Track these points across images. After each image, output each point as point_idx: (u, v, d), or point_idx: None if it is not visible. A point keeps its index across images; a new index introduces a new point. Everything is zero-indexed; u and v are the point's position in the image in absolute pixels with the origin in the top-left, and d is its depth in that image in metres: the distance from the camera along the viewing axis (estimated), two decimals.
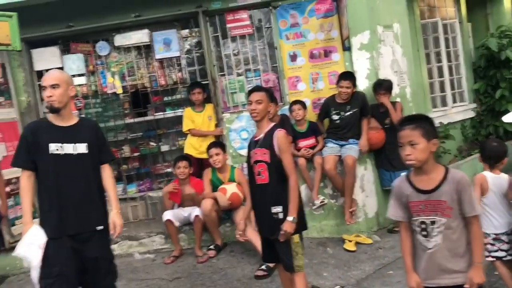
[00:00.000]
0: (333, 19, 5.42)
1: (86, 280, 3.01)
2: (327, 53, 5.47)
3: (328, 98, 5.23)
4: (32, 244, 2.82)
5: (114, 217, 3.14)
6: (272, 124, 3.33)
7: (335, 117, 5.10)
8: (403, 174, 2.47)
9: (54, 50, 5.67)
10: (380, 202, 5.33)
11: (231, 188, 4.88)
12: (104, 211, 3.16)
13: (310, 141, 5.17)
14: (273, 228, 3.12)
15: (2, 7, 4.27)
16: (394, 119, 4.96)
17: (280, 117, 5.13)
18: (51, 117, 3.05)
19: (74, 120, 3.08)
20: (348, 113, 5.05)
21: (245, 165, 5.47)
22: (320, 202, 5.05)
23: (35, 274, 2.87)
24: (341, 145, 5.06)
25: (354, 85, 5.05)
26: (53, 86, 2.92)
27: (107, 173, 3.20)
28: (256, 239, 4.54)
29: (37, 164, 2.95)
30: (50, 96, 2.91)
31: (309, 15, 5.45)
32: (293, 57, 5.51)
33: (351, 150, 4.96)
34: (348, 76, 5.03)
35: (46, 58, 5.64)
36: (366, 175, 5.23)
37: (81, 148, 3.01)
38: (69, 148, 2.97)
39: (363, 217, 5.16)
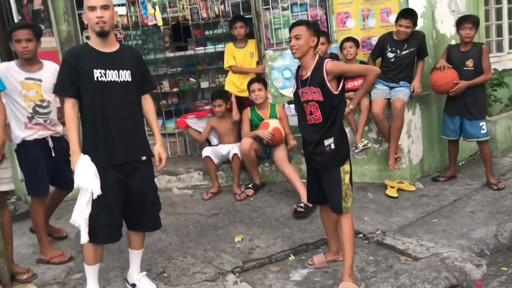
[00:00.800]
0: None
1: (130, 211, 2.98)
2: None
3: (385, 35, 4.91)
4: (88, 174, 2.76)
5: (159, 149, 3.08)
6: (317, 57, 3.09)
7: (390, 55, 4.80)
8: None
9: None
10: (425, 149, 5.12)
11: (273, 123, 4.75)
12: (147, 142, 3.09)
13: (360, 81, 4.92)
14: (324, 162, 3.05)
15: None
16: (485, 65, 4.59)
17: (328, 56, 4.88)
18: (93, 43, 2.90)
19: (116, 47, 2.95)
20: (405, 52, 4.75)
21: (286, 105, 5.38)
22: (363, 146, 4.87)
23: (78, 215, 2.82)
24: (391, 88, 4.80)
25: (415, 24, 4.69)
26: (104, 7, 2.77)
27: (148, 103, 3.11)
28: (296, 178, 4.50)
29: (80, 91, 2.85)
30: (101, 17, 2.76)
31: None
32: None
33: (401, 92, 4.71)
34: (409, 14, 4.66)
35: None
36: (413, 120, 4.99)
37: (125, 75, 2.90)
38: (113, 75, 2.86)
39: (407, 164, 4.98)
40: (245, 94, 5.14)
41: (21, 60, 3.55)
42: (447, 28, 5.23)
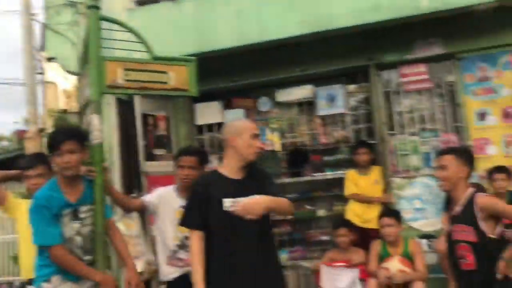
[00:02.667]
0: None
1: None
2: None
3: None
4: None
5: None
6: (470, 190, 2.67)
7: None
8: None
9: (217, 105, 5.60)
10: None
11: (394, 266, 4.08)
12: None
13: None
14: None
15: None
16: None
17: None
18: (223, 169, 2.69)
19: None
20: None
21: (416, 240, 4.71)
22: None
23: None
24: None
25: None
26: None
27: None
28: None
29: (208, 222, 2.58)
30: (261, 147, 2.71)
31: (504, 68, 4.65)
32: (482, 116, 4.70)
33: None
34: None
35: (208, 112, 5.58)
36: None
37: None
38: None
39: None
40: (369, 225, 4.64)
41: (180, 186, 3.40)
42: None
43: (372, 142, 5.07)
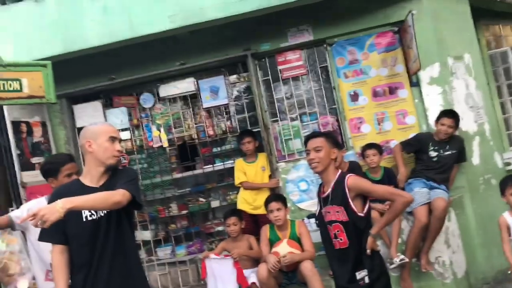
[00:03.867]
0: (397, 53, 4.87)
1: None
2: (392, 90, 4.89)
3: (424, 134, 4.68)
4: None
5: None
6: (339, 172, 2.80)
7: (433, 153, 4.46)
8: None
9: (97, 105, 5.36)
10: (469, 259, 4.52)
11: (283, 249, 4.22)
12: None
13: None
14: None
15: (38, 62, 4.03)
16: None
17: (348, 164, 4.52)
18: (84, 178, 2.58)
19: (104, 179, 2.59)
20: (447, 153, 4.46)
21: (306, 220, 4.91)
22: (400, 260, 4.29)
23: None
24: (431, 188, 4.37)
25: (457, 125, 4.46)
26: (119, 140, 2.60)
27: None
28: None
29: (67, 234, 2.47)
30: (120, 150, 2.56)
31: (369, 50, 4.93)
32: (354, 97, 4.96)
33: (441, 194, 4.28)
34: (453, 114, 4.46)
35: (88, 113, 5.32)
36: (450, 228, 4.46)
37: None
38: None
39: (451, 278, 4.35)
40: (259, 211, 4.74)
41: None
42: (469, 125, 4.93)
43: (256, 130, 5.16)
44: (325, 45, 5.04)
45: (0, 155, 4.80)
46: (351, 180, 2.70)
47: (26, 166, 4.81)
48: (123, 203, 2.36)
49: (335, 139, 2.96)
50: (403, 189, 4.30)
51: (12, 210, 4.67)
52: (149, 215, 5.54)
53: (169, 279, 5.28)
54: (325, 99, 5.10)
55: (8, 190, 4.80)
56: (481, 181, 4.92)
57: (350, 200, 2.67)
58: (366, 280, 2.62)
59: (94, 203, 2.31)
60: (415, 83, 4.82)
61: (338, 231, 2.71)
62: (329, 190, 2.76)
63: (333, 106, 5.08)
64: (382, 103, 4.90)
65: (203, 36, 4.94)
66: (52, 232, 2.42)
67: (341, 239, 2.70)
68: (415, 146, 4.58)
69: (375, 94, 4.93)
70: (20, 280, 4.39)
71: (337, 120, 5.07)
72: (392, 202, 2.73)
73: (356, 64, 4.96)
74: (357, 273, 2.64)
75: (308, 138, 2.87)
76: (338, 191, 2.71)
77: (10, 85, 2.93)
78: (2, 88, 2.92)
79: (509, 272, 4.40)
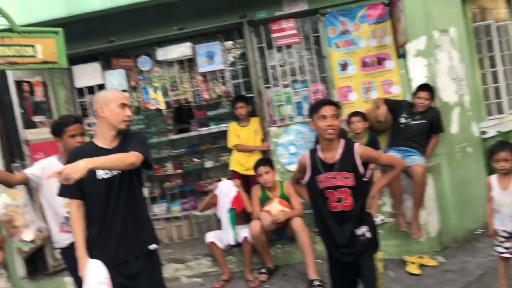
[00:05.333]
0: (386, 25, 5.09)
1: None
2: (380, 61, 5.14)
3: (407, 101, 4.98)
4: (100, 283, 2.56)
5: None
6: (343, 141, 2.90)
7: (402, 120, 4.84)
8: None
9: (95, 66, 5.52)
10: (442, 220, 4.93)
11: (275, 208, 4.59)
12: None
13: None
14: (358, 254, 2.85)
15: (42, 24, 4.15)
16: None
17: None
18: (98, 140, 2.80)
19: (117, 141, 2.81)
20: (415, 122, 4.80)
21: None
22: (381, 221, 4.68)
23: None
24: (404, 152, 4.72)
25: (432, 98, 4.79)
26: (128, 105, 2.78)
27: None
28: (310, 251, 4.31)
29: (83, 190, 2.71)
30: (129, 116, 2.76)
31: (360, 21, 5.14)
32: (344, 66, 5.20)
33: (418, 161, 4.63)
34: (427, 87, 4.79)
35: (87, 74, 5.49)
36: (428, 191, 4.83)
37: None
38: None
39: (426, 236, 4.77)
40: (251, 172, 5.01)
41: (63, 154, 3.36)
42: (450, 96, 5.24)
43: (250, 95, 5.40)
44: (318, 15, 5.23)
45: (4, 113, 5.00)
46: (361, 149, 2.86)
47: (29, 124, 5.02)
48: (137, 164, 2.60)
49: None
50: None
51: (14, 166, 4.93)
52: (146, 174, 5.82)
53: (165, 233, 5.63)
54: (316, 67, 5.34)
55: (11, 147, 5.02)
56: (457, 149, 5.26)
57: (359, 167, 2.82)
58: (368, 235, 2.81)
59: (111, 164, 2.55)
60: (402, 55, 5.07)
61: (344, 195, 2.82)
62: (338, 157, 2.83)
63: (324, 75, 5.32)
64: (370, 73, 5.16)
65: (201, 2, 5.09)
66: (70, 189, 2.67)
67: (346, 202, 2.81)
68: (393, 105, 4.89)
69: (364, 64, 5.18)
70: (25, 232, 4.70)
71: (327, 88, 5.33)
72: (392, 168, 2.98)
73: (347, 35, 5.18)
74: (356, 230, 2.81)
75: (324, 104, 2.86)
76: (347, 159, 2.82)
77: (26, 50, 3.10)
78: (17, 54, 3.08)
79: (479, 231, 4.86)
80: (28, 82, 5.04)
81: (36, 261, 5.03)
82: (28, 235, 4.76)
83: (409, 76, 5.06)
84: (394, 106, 4.89)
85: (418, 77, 5.02)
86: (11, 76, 4.83)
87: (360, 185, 2.83)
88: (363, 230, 2.81)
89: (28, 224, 4.73)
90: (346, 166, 2.82)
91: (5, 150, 5.00)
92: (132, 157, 2.58)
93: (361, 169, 2.83)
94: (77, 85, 5.52)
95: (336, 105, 2.89)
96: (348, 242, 2.83)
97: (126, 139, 2.81)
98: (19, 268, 4.96)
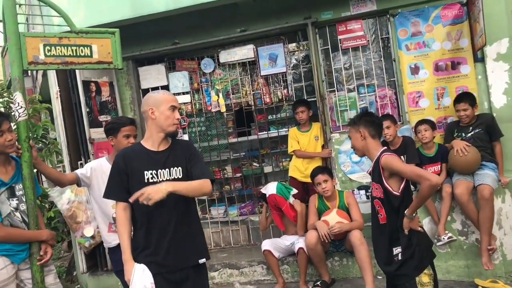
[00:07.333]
0: (463, 26, 4.69)
1: None
2: (455, 65, 4.73)
3: (452, 122, 4.64)
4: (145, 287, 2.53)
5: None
6: (381, 149, 2.80)
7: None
8: None
9: (160, 68, 5.60)
10: None
11: (332, 218, 4.34)
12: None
13: (439, 166, 4.48)
14: (393, 272, 2.78)
15: (107, 25, 4.24)
16: None
17: (402, 139, 4.51)
18: (145, 142, 2.74)
19: (167, 144, 2.75)
20: (469, 134, 4.36)
21: (356, 191, 5.00)
22: (448, 238, 4.29)
23: None
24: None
25: (472, 105, 4.33)
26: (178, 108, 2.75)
27: None
28: (369, 266, 4.01)
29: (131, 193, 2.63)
30: (178, 118, 2.71)
31: (434, 23, 4.76)
32: (415, 70, 4.85)
33: (487, 178, 4.16)
34: (464, 97, 4.38)
35: (152, 76, 5.59)
36: (503, 209, 4.37)
37: (176, 172, 2.67)
38: (165, 174, 2.65)
39: (500, 260, 4.31)
40: (310, 179, 4.81)
41: (112, 155, 3.41)
42: None
43: (312, 99, 5.20)
44: (387, 16, 4.93)
45: (71, 112, 5.19)
46: (384, 159, 2.70)
47: (94, 123, 5.16)
48: (210, 193, 2.69)
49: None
50: None
51: (80, 164, 5.09)
52: None
53: (221, 237, 5.57)
54: (384, 71, 5.04)
55: (78, 145, 5.20)
56: None
57: (383, 179, 2.71)
58: (399, 257, 2.69)
59: (191, 191, 2.58)
60: (479, 59, 4.64)
61: (378, 207, 2.79)
62: (372, 166, 2.84)
63: (392, 79, 5.01)
64: (443, 78, 4.77)
65: (264, 3, 4.98)
66: (117, 191, 2.65)
67: (381, 215, 2.79)
68: (448, 138, 4.52)
69: (437, 68, 4.80)
70: (86, 228, 4.84)
71: (395, 93, 5.01)
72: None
73: (419, 36, 4.83)
74: (394, 249, 2.73)
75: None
76: (377, 168, 2.76)
77: (82, 50, 3.13)
78: (74, 54, 3.12)
79: None
80: (95, 82, 5.20)
81: (96, 257, 5.16)
82: (89, 231, 4.91)
83: (488, 82, 4.62)
84: (448, 136, 4.53)
85: (498, 83, 4.57)
86: (79, 76, 5.00)
87: (390, 198, 2.71)
88: (397, 251, 2.71)
89: (90, 221, 4.88)
90: (375, 176, 2.79)
91: (71, 148, 5.19)
92: (207, 188, 2.63)
93: (386, 181, 2.70)
94: (143, 86, 5.62)
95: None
96: (387, 259, 2.78)
97: (176, 146, 2.76)
98: (80, 263, 5.11)
